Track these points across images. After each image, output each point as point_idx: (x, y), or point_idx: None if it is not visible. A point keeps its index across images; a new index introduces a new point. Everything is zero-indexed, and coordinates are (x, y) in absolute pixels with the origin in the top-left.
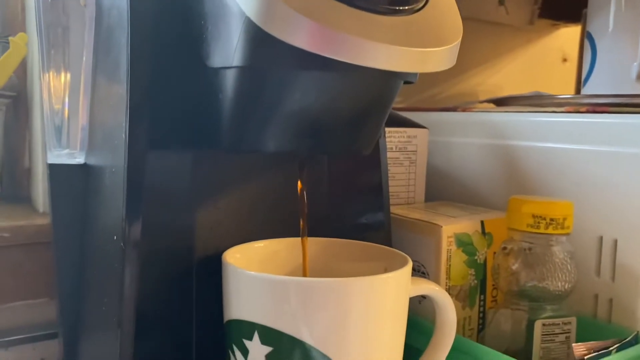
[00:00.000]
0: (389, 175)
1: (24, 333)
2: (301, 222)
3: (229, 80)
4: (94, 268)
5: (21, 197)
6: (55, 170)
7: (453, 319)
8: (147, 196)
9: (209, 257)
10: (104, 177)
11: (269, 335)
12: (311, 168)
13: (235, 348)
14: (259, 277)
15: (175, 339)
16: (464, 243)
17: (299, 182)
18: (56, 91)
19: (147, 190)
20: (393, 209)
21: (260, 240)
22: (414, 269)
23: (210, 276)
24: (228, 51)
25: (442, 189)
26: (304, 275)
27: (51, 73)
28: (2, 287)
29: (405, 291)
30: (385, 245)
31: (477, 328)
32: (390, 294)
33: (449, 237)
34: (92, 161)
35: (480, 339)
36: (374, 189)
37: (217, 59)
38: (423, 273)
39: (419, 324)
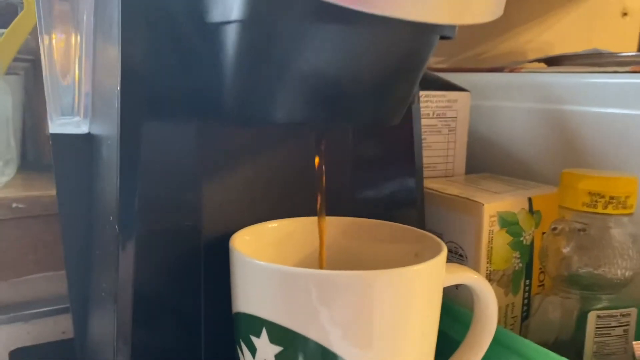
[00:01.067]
0: (425, 144)
1: (45, 306)
2: (318, 199)
3: (230, 38)
4: (96, 247)
5: (44, 165)
6: (58, 141)
7: (494, 311)
8: (145, 172)
9: (218, 237)
10: (102, 149)
11: (279, 334)
12: (333, 138)
13: (242, 344)
14: (267, 267)
15: (183, 325)
16: (508, 223)
17: (316, 157)
18: (59, 54)
19: (144, 165)
20: (428, 183)
21: (273, 220)
22: (450, 251)
23: (219, 259)
24: (227, 2)
25: (485, 160)
26: (320, 260)
27: (53, 35)
28: (21, 259)
29: (439, 282)
30: (418, 225)
31: (520, 316)
32: (421, 287)
33: (491, 216)
34: (95, 131)
35: (524, 329)
36: (406, 161)
37: (215, 13)
38: (461, 256)
39: (456, 312)
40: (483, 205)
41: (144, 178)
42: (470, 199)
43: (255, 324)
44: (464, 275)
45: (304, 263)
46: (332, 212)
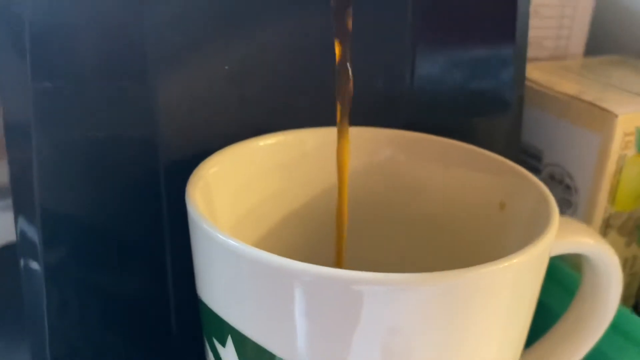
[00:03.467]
0: (532, 10)
1: None
2: (338, 103)
3: None
4: None
5: None
6: None
7: (615, 297)
8: (41, 43)
9: (187, 156)
10: None
11: (253, 353)
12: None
13: (207, 344)
14: (237, 250)
15: (143, 266)
16: None
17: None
18: None
19: (37, 33)
20: (529, 71)
21: (271, 134)
22: (552, 178)
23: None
24: None
25: (619, 35)
26: (340, 208)
27: None
28: None
29: (542, 271)
30: (512, 136)
31: None
32: (516, 291)
33: (627, 134)
34: None
35: None
36: (501, 37)
37: None
38: (567, 187)
39: (559, 271)
40: (617, 116)
41: (39, 53)
42: (596, 105)
43: (220, 327)
44: (578, 242)
45: (321, 207)
46: (377, 119)
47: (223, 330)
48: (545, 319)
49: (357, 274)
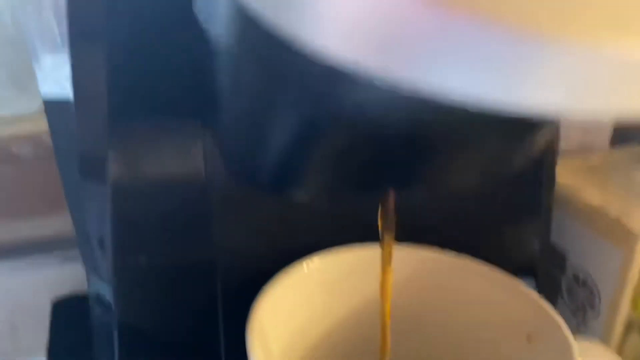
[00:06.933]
0: None
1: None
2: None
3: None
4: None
5: None
6: (52, 109)
7: None
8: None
9: (244, 279)
10: None
11: None
12: None
13: None
14: None
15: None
16: None
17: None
18: None
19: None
20: (557, 170)
21: (312, 257)
22: (576, 278)
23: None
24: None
25: None
26: (383, 329)
27: None
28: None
29: None
30: (540, 244)
31: None
32: None
33: None
34: None
35: None
36: (530, 150)
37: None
38: (591, 293)
39: None
40: (639, 236)
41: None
42: (619, 222)
43: None
44: None
45: (364, 319)
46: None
47: None
48: None
49: None
